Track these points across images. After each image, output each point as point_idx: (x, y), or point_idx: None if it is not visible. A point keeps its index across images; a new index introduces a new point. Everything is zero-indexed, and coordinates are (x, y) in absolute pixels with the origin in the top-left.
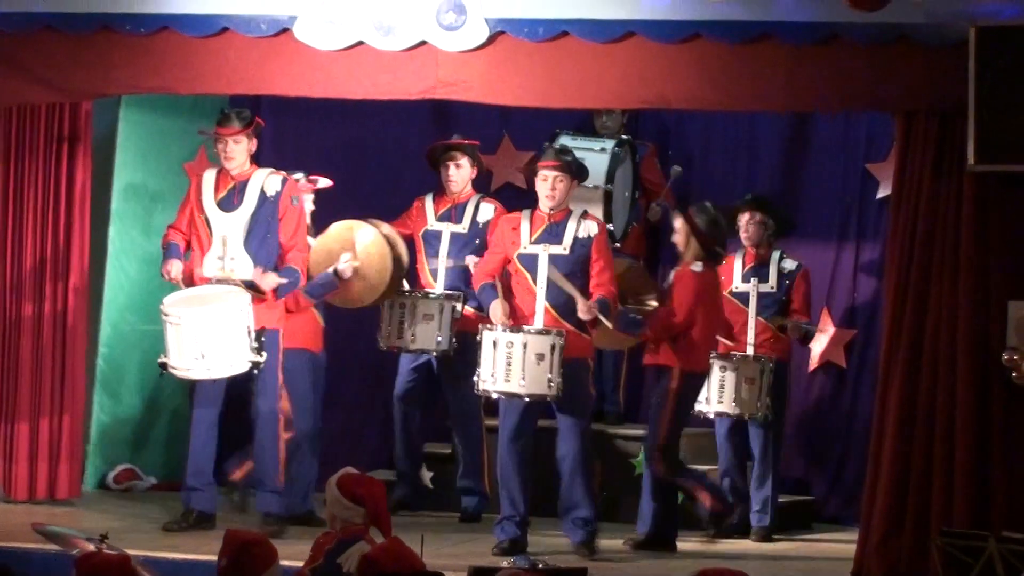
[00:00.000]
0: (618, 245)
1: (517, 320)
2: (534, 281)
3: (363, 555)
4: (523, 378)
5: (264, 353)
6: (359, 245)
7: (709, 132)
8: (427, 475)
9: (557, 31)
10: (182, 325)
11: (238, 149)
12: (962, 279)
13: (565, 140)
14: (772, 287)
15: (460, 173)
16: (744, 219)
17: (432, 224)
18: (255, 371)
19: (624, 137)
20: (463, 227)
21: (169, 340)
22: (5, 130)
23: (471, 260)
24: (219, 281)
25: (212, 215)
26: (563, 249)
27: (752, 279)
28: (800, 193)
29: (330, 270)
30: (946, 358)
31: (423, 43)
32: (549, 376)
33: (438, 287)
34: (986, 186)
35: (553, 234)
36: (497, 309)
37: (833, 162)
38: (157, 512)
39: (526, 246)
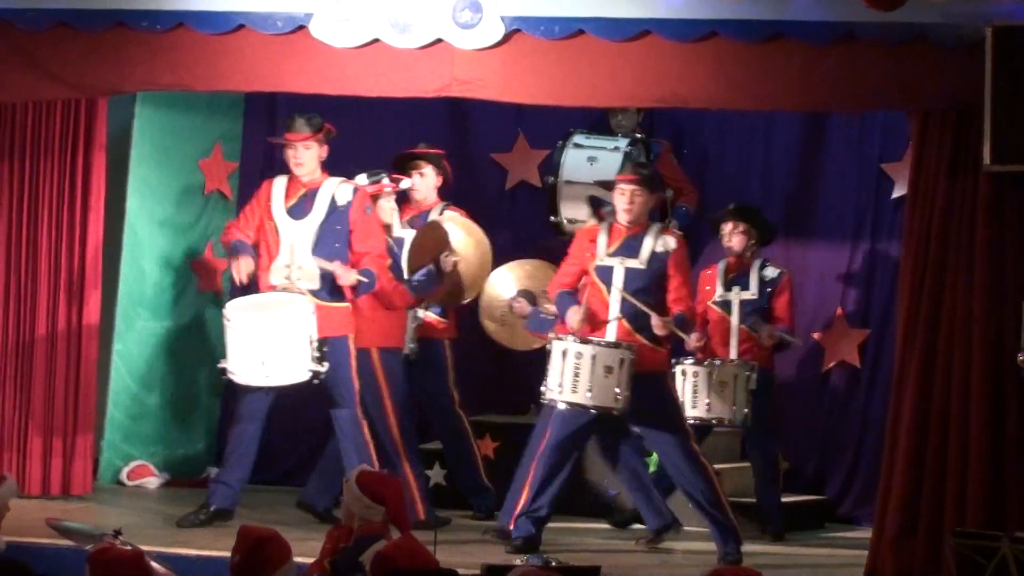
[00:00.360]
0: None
1: (591, 331)
2: (608, 293)
3: (377, 552)
4: (590, 390)
5: (326, 363)
6: (457, 242)
7: (724, 131)
8: (440, 472)
9: (573, 29)
10: (243, 331)
11: (308, 155)
12: (977, 279)
13: (579, 138)
14: (754, 295)
15: (424, 182)
16: (727, 228)
17: (397, 231)
18: (315, 381)
19: (637, 136)
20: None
21: (230, 345)
22: (21, 126)
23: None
24: (284, 290)
25: (281, 222)
26: (640, 263)
27: (734, 287)
28: (815, 193)
29: (431, 266)
30: (961, 358)
31: (439, 41)
32: (617, 390)
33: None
34: (1002, 186)
35: (630, 248)
36: (574, 315)
37: (848, 162)
38: (170, 508)
39: (602, 258)
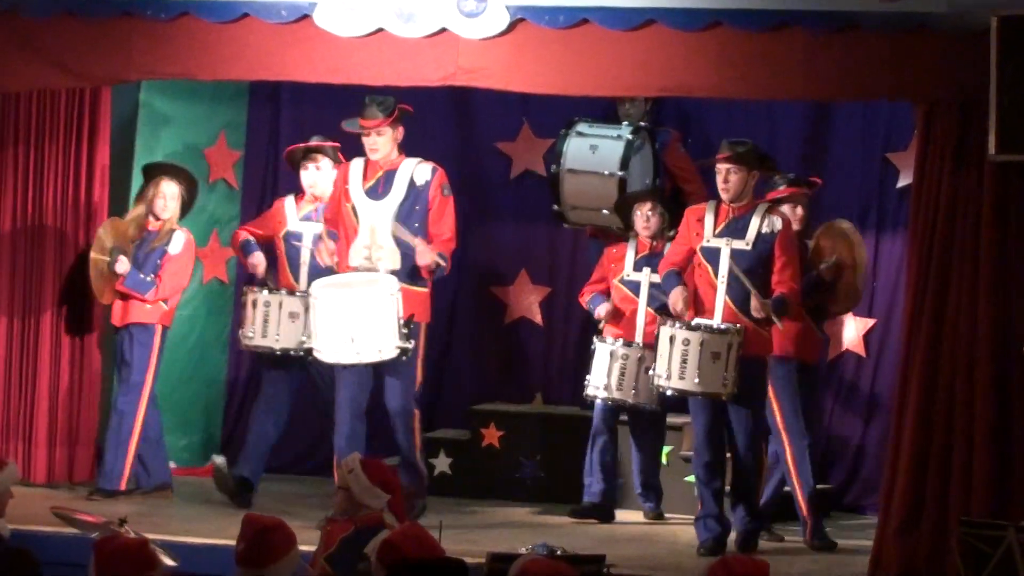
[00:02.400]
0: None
1: (697, 313)
2: (715, 275)
3: (383, 540)
4: (698, 376)
5: (412, 341)
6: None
7: (729, 120)
8: (445, 461)
9: (577, 18)
10: (331, 308)
11: (382, 140)
12: (982, 268)
13: (582, 127)
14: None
15: (320, 175)
16: (645, 208)
17: (294, 225)
18: (403, 358)
19: (641, 124)
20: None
21: (316, 324)
22: (25, 115)
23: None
24: (365, 271)
25: (359, 204)
26: (746, 244)
27: (644, 268)
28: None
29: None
30: (966, 347)
31: (443, 30)
32: (724, 375)
33: (302, 288)
34: (1007, 175)
35: (737, 228)
36: (676, 296)
37: (853, 151)
38: (175, 497)
39: (709, 239)
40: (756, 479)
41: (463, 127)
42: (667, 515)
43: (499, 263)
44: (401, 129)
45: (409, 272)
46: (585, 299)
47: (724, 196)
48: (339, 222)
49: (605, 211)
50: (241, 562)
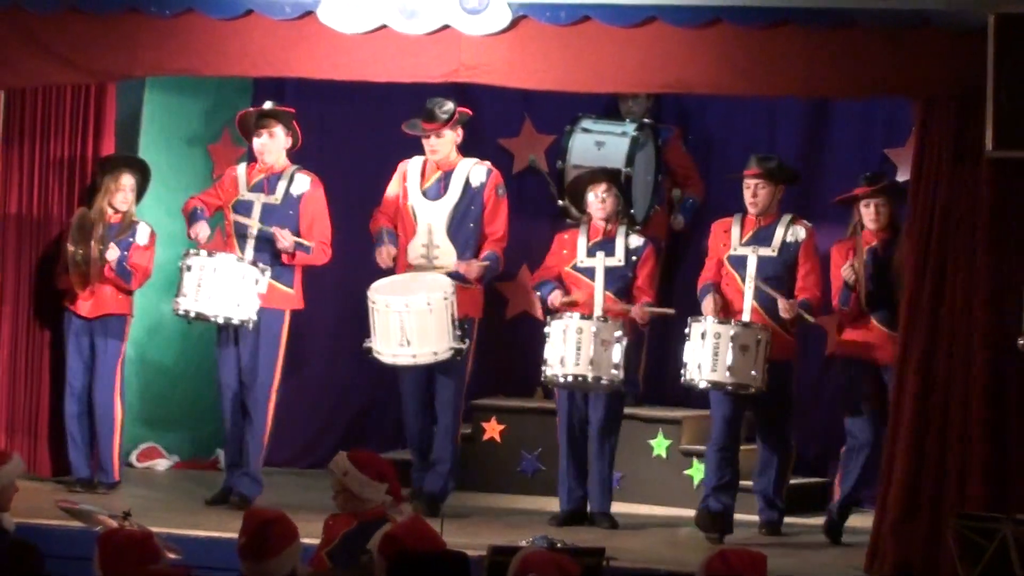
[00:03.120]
0: (638, 228)
1: (727, 316)
2: (743, 281)
3: (385, 533)
4: (729, 368)
5: (467, 340)
6: None
7: (730, 116)
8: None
9: (579, 16)
10: (388, 311)
11: (442, 143)
12: (979, 264)
13: (587, 123)
14: (619, 262)
15: (274, 143)
16: (600, 190)
17: (244, 194)
18: (457, 358)
19: (645, 121)
20: (276, 198)
21: (375, 326)
22: (31, 110)
23: (276, 230)
24: (423, 269)
25: (417, 204)
26: (772, 251)
27: (598, 253)
28: (819, 177)
29: None
30: (963, 342)
31: (446, 27)
32: (753, 370)
33: (247, 258)
34: (1004, 172)
35: (762, 237)
36: (709, 302)
37: (852, 147)
38: (178, 490)
39: (736, 248)
40: (783, 473)
41: (466, 123)
42: (664, 509)
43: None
44: (460, 131)
45: (464, 270)
46: (535, 283)
47: (752, 210)
48: (397, 221)
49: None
50: (243, 555)
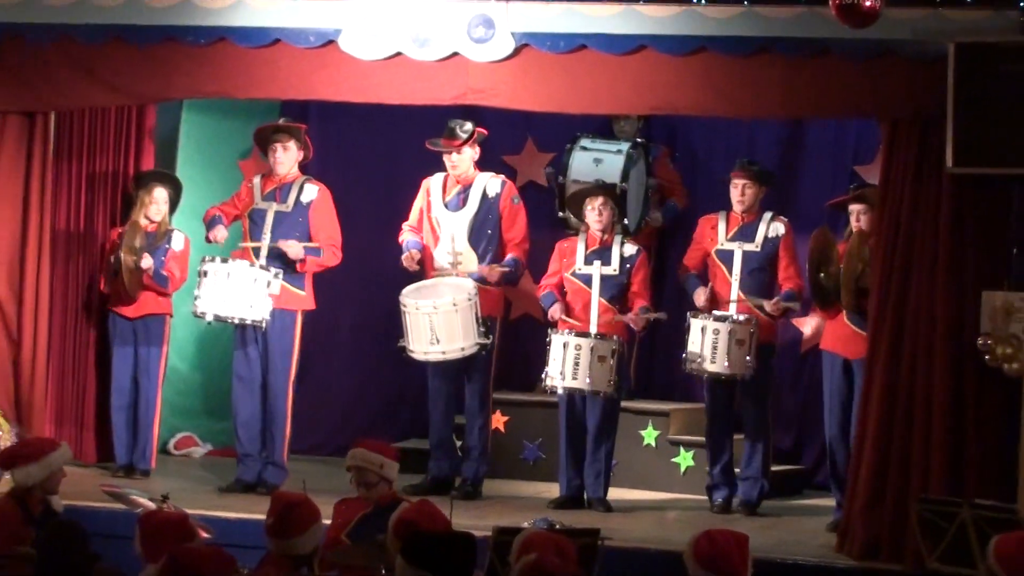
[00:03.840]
0: (631, 236)
1: (714, 306)
2: (730, 273)
3: (398, 516)
4: (728, 360)
5: (491, 336)
6: None
7: (712, 136)
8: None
9: (576, 44)
10: (418, 313)
11: (461, 159)
12: (940, 271)
13: (585, 142)
14: (615, 270)
15: (287, 155)
16: (597, 203)
17: (259, 203)
18: (482, 353)
19: (638, 140)
20: (287, 206)
21: (407, 327)
22: (78, 131)
23: (283, 244)
24: (448, 274)
25: (440, 215)
26: (755, 246)
27: (595, 261)
28: (794, 191)
29: None
30: (925, 342)
31: (455, 54)
32: (748, 358)
33: (260, 265)
34: (963, 187)
35: (747, 233)
36: (700, 295)
37: (824, 164)
38: (212, 475)
39: (723, 243)
40: (765, 450)
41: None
42: (654, 494)
43: None
44: (478, 149)
45: (485, 274)
46: (540, 293)
47: (739, 208)
48: (423, 231)
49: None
50: (271, 534)
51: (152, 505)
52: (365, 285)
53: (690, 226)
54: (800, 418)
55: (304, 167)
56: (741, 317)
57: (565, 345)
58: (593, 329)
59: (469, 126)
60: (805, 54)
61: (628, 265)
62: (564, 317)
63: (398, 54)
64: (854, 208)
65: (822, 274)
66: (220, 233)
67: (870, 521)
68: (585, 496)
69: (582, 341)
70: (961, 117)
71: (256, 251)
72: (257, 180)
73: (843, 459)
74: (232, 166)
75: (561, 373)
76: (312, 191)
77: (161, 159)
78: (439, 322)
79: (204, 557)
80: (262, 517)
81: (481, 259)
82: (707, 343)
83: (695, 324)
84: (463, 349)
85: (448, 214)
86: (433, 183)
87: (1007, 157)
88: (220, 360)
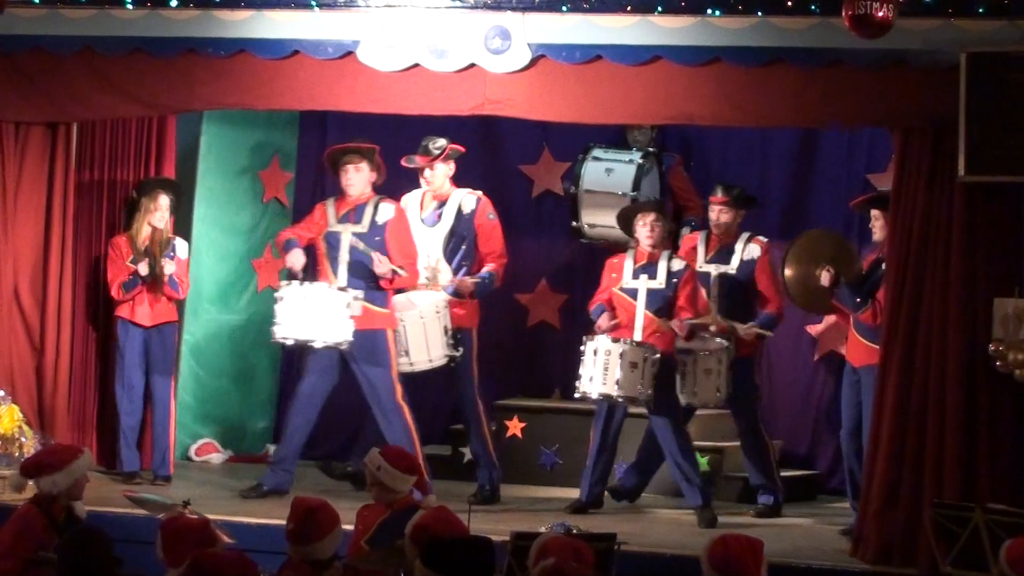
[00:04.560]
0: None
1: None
2: (707, 296)
3: (415, 522)
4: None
5: (461, 348)
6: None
7: (727, 145)
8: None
9: (592, 55)
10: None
11: (435, 174)
12: (953, 277)
13: (597, 152)
14: (661, 284)
15: (359, 176)
16: (649, 219)
17: (333, 226)
18: (451, 365)
19: (650, 149)
20: (363, 227)
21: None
22: (101, 141)
23: (375, 255)
24: (427, 288)
25: (417, 230)
26: (731, 269)
27: (642, 276)
28: (808, 200)
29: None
30: (938, 348)
31: (472, 65)
32: (719, 382)
33: (339, 284)
34: (975, 195)
35: (723, 255)
36: (604, 319)
37: (838, 172)
38: (233, 481)
39: (702, 264)
40: (764, 459)
41: (490, 152)
42: (670, 499)
43: (522, 273)
44: (452, 164)
45: (458, 287)
46: (592, 308)
47: (716, 230)
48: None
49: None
50: (291, 539)
51: (174, 511)
52: None
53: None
54: (814, 423)
55: (325, 175)
56: (720, 345)
57: (596, 351)
58: (637, 338)
59: (442, 142)
60: (818, 64)
61: (675, 280)
62: (610, 324)
63: (416, 65)
64: (874, 213)
65: (840, 275)
66: (297, 257)
67: (884, 526)
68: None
69: (612, 346)
70: (973, 126)
71: (335, 268)
72: (330, 203)
73: (852, 463)
74: (252, 177)
75: (591, 379)
76: (388, 211)
77: (182, 170)
78: (408, 334)
79: (225, 562)
80: (283, 522)
81: (455, 273)
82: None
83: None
84: (431, 360)
85: (424, 229)
86: (411, 200)
87: (1019, 165)
88: (240, 368)
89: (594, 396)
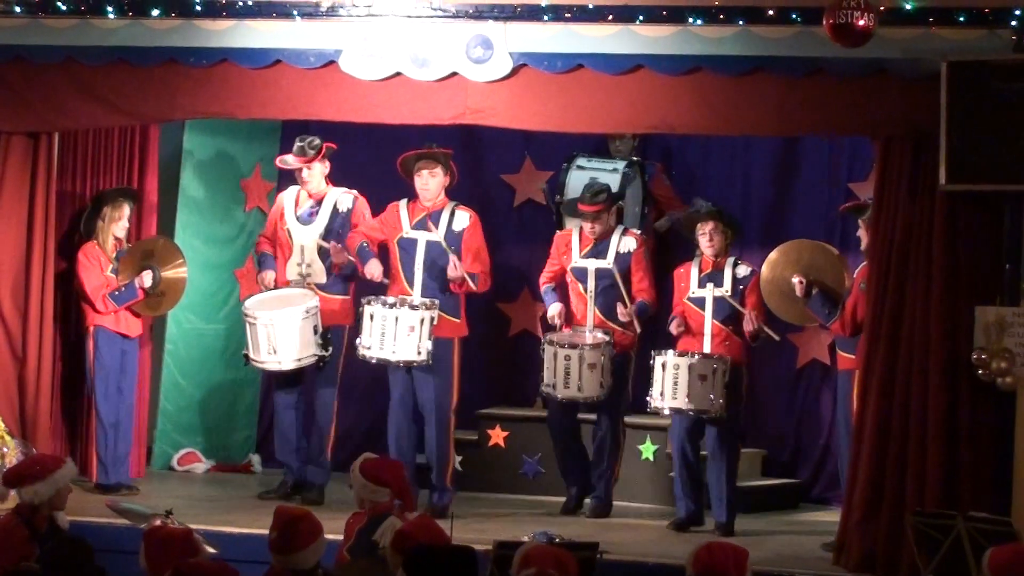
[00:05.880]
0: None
1: (688, 338)
2: (585, 290)
3: (397, 530)
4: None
5: (330, 348)
6: None
7: (708, 154)
8: (456, 459)
9: (573, 64)
10: (257, 324)
11: (312, 173)
12: (934, 286)
13: (581, 161)
14: (727, 292)
15: (433, 181)
16: (708, 228)
17: (407, 232)
18: (320, 364)
19: (634, 159)
20: (439, 235)
21: (249, 337)
22: (83, 150)
23: (452, 259)
24: (299, 286)
25: (292, 227)
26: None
27: (708, 284)
28: (790, 208)
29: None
30: (920, 357)
31: (454, 74)
32: (601, 382)
33: (415, 294)
34: (956, 204)
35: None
36: (555, 311)
37: (819, 181)
38: (215, 491)
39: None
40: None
41: (471, 161)
42: (653, 507)
43: (504, 281)
44: (328, 163)
45: (334, 283)
46: (542, 288)
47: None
48: (276, 245)
49: None
50: (273, 549)
51: (156, 520)
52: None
53: (688, 237)
54: (796, 432)
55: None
56: (592, 340)
57: (664, 366)
58: (707, 348)
59: (317, 142)
60: (799, 73)
61: (741, 286)
62: (682, 337)
63: (398, 74)
64: (862, 223)
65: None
66: (376, 269)
67: (866, 534)
68: (713, 520)
69: (680, 360)
70: (954, 135)
71: (410, 277)
72: (403, 205)
73: (833, 467)
74: (235, 186)
75: (661, 394)
76: (464, 218)
77: (164, 179)
78: (276, 333)
79: (208, 571)
80: (265, 532)
81: (329, 272)
82: (560, 369)
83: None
84: (299, 360)
85: (299, 227)
86: (287, 197)
87: (1000, 174)
88: (222, 378)
89: (666, 411)
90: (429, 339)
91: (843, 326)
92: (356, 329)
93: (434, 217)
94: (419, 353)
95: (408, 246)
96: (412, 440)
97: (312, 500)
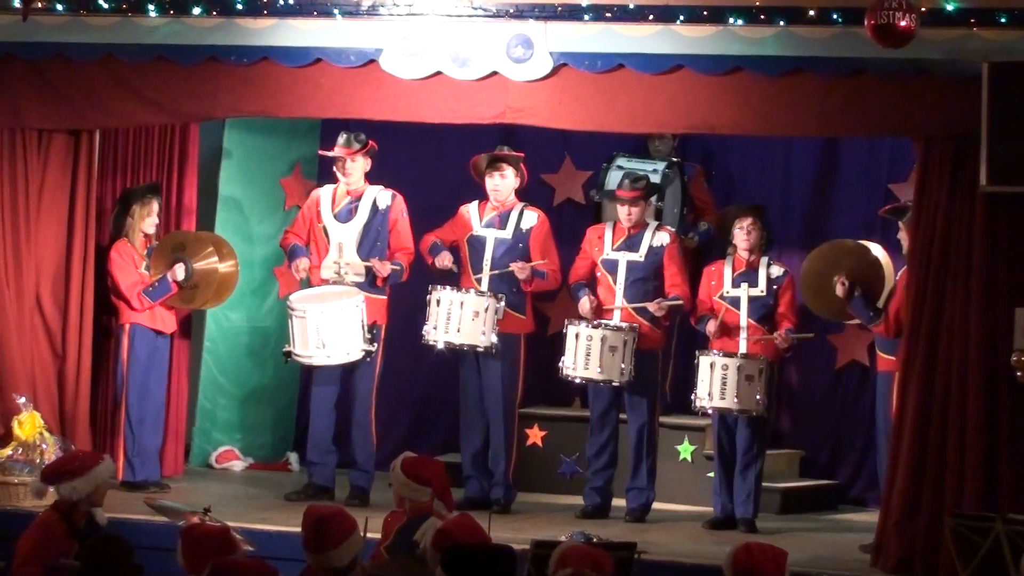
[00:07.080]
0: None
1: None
2: (614, 282)
3: (438, 529)
4: (600, 367)
5: (376, 344)
6: None
7: (748, 155)
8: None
9: (614, 64)
10: (306, 318)
11: (355, 166)
12: (974, 288)
13: (621, 161)
14: (762, 291)
15: (505, 183)
16: (746, 223)
17: (477, 230)
18: (367, 359)
19: (674, 159)
20: (507, 233)
21: (294, 331)
22: (123, 148)
23: (514, 266)
24: (335, 282)
25: (329, 225)
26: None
27: (743, 284)
28: (829, 209)
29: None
30: (959, 358)
31: (494, 74)
32: (623, 364)
33: (484, 288)
34: (996, 205)
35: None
36: (585, 304)
37: (859, 182)
38: (253, 489)
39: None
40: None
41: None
42: (690, 507)
43: None
44: (370, 160)
45: (371, 282)
46: (571, 284)
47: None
48: (311, 240)
49: None
50: (306, 548)
51: (194, 518)
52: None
53: (723, 245)
54: (834, 433)
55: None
56: (617, 325)
57: (712, 366)
58: (743, 349)
59: (364, 136)
60: (840, 74)
61: (775, 286)
62: (716, 337)
63: (438, 73)
64: (902, 225)
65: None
66: (447, 258)
67: (904, 536)
68: (736, 516)
69: (728, 361)
70: (995, 135)
71: (479, 273)
72: (473, 206)
73: (872, 468)
74: (274, 184)
75: (708, 394)
76: (532, 217)
77: (204, 177)
78: (327, 327)
79: (246, 569)
80: (299, 530)
81: (368, 272)
82: (580, 350)
83: (571, 330)
84: (348, 354)
85: (337, 225)
86: (323, 194)
87: None
88: (261, 376)
89: (709, 410)
90: (494, 331)
91: (887, 328)
92: (391, 327)
93: (503, 216)
94: (483, 336)
95: (477, 244)
96: (482, 433)
97: (357, 502)
